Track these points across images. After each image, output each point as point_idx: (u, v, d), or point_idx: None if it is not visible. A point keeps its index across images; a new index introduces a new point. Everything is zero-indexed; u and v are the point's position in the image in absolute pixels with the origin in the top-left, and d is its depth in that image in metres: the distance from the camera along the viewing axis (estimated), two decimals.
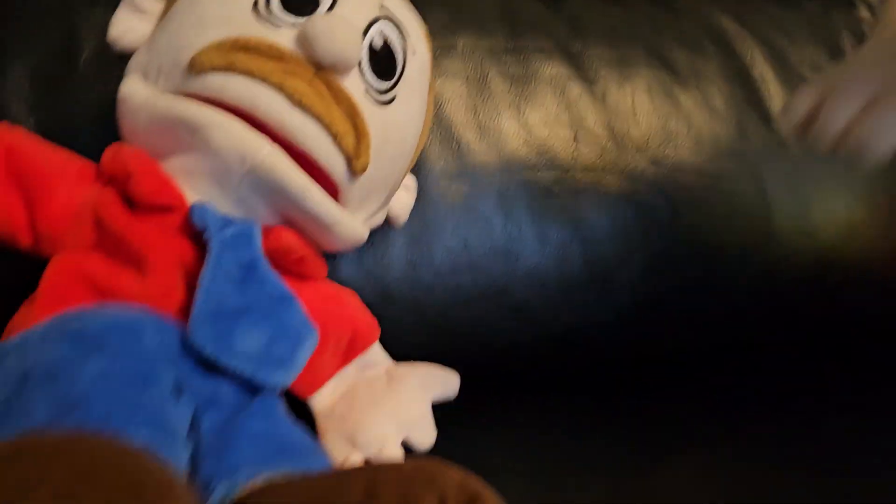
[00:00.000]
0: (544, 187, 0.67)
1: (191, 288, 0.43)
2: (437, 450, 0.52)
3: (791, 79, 0.78)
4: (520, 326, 0.66)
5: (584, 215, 0.67)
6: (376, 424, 0.50)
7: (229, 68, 0.44)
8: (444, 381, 0.56)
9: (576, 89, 0.70)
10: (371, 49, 0.48)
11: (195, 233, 0.44)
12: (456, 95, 0.67)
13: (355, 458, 0.48)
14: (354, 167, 0.46)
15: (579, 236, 0.67)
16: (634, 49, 0.74)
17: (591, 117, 0.70)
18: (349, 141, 0.46)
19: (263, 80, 0.43)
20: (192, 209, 0.45)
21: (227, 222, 0.45)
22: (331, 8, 0.47)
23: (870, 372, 0.70)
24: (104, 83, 0.59)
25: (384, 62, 0.49)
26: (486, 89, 0.68)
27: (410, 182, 0.60)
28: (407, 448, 0.51)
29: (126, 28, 0.50)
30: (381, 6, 0.50)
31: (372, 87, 0.48)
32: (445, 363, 0.59)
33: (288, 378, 0.43)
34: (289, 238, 0.48)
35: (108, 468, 0.25)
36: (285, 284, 0.46)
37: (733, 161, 0.72)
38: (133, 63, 0.49)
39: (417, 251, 0.63)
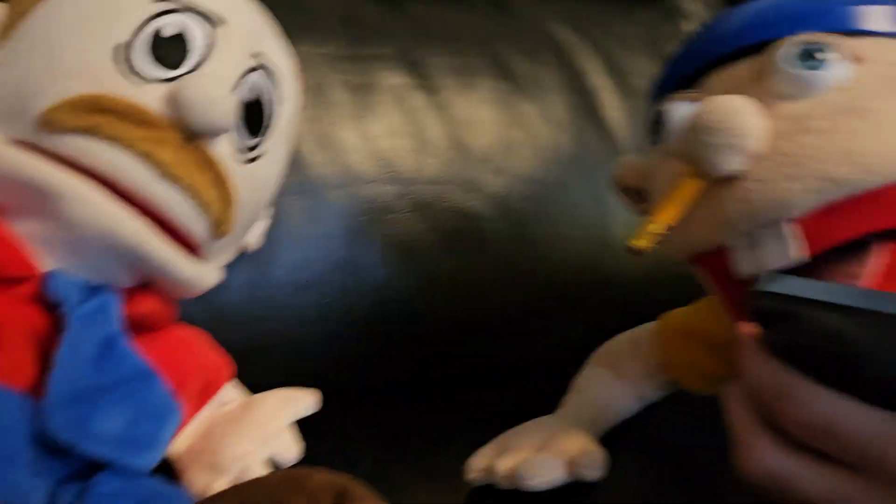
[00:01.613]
0: (387, 201, 0.65)
1: (44, 362, 0.39)
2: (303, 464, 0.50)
3: (624, 88, 0.81)
4: (366, 341, 0.65)
5: (428, 228, 0.66)
6: (235, 445, 0.48)
7: (91, 132, 0.39)
8: (301, 399, 0.55)
9: (418, 99, 0.69)
10: (241, 104, 0.45)
11: (49, 303, 0.41)
12: None
13: (220, 483, 0.46)
14: (219, 232, 0.45)
15: (423, 250, 0.66)
16: (476, 57, 0.74)
17: (434, 128, 0.69)
18: (216, 208, 0.43)
19: (129, 147, 0.39)
20: (46, 279, 0.41)
21: (84, 294, 0.41)
22: (203, 57, 0.43)
23: None
24: None
25: (254, 117, 0.46)
26: (325, 99, 0.66)
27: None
28: (274, 465, 0.50)
29: None
30: (255, 53, 0.46)
31: (240, 146, 0.45)
32: (291, 383, 0.57)
33: (153, 459, 0.41)
34: (150, 304, 0.46)
35: None
36: (145, 359, 0.43)
37: (572, 171, 0.73)
38: None
39: (256, 270, 0.60)
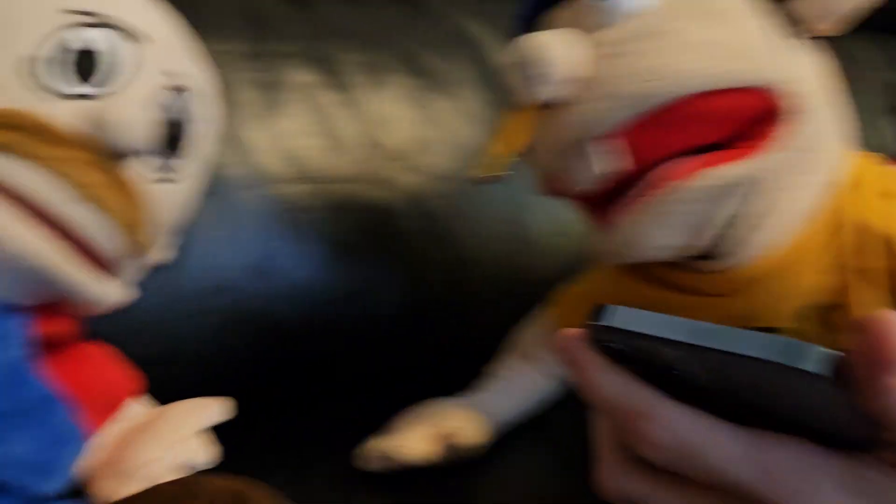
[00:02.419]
0: (300, 201, 0.64)
1: None
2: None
3: None
4: (282, 346, 0.63)
5: (342, 228, 0.65)
6: (142, 451, 0.47)
7: (3, 150, 0.37)
8: (211, 406, 0.53)
9: (328, 96, 0.68)
10: (160, 124, 0.43)
11: None
12: None
13: (126, 490, 0.44)
14: (134, 253, 0.43)
15: (338, 250, 0.65)
16: (386, 53, 0.73)
17: (345, 126, 0.68)
18: (131, 229, 0.42)
19: (44, 167, 0.38)
20: None
21: None
22: (121, 75, 0.41)
23: None
24: None
25: (172, 137, 0.45)
26: (232, 98, 0.63)
27: None
28: (184, 471, 0.47)
29: None
30: (175, 72, 0.45)
31: (161, 166, 0.44)
32: (204, 392, 0.55)
33: (57, 485, 0.40)
34: (55, 324, 0.44)
35: None
36: (49, 385, 0.41)
37: None
38: None
39: (166, 276, 0.58)
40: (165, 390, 0.54)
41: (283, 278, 0.62)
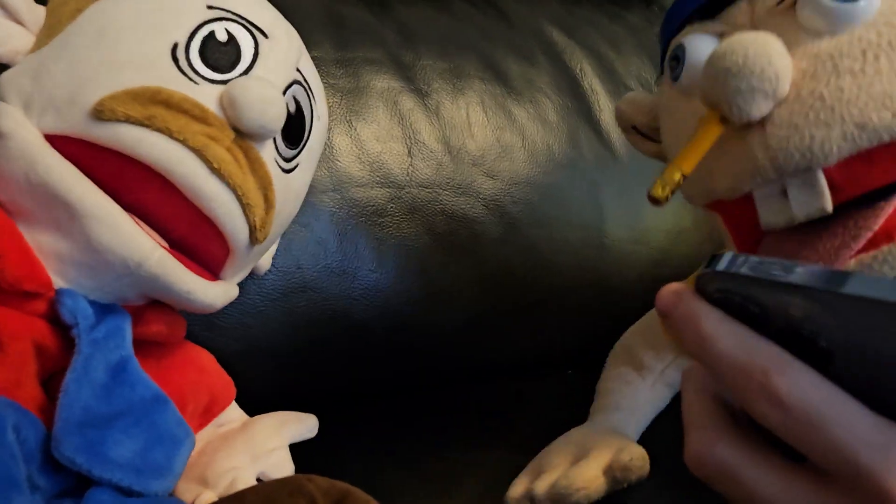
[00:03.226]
0: (379, 204, 0.65)
1: (46, 378, 0.39)
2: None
3: (618, 90, 0.80)
4: (358, 346, 0.64)
5: (421, 232, 0.66)
6: (226, 459, 0.48)
7: (147, 123, 0.39)
8: (301, 421, 0.54)
9: (408, 102, 0.69)
10: (288, 112, 0.45)
11: (60, 321, 0.40)
12: None
13: (206, 496, 0.45)
14: (257, 237, 0.45)
15: (416, 254, 0.65)
16: (466, 60, 0.74)
17: (426, 131, 0.69)
18: (259, 213, 0.44)
19: (184, 140, 0.40)
20: (60, 299, 0.40)
21: (97, 317, 0.41)
22: (251, 65, 0.44)
23: None
24: None
25: (294, 128, 0.47)
26: None
27: None
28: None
29: (3, 35, 0.42)
30: (297, 69, 0.47)
31: (281, 155, 0.46)
32: (282, 389, 0.56)
33: (167, 485, 0.40)
34: (158, 326, 0.46)
35: None
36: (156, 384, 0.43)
37: (567, 172, 0.73)
38: (9, 86, 0.42)
39: (248, 276, 0.59)
40: (246, 387, 0.56)
41: (363, 280, 0.63)
